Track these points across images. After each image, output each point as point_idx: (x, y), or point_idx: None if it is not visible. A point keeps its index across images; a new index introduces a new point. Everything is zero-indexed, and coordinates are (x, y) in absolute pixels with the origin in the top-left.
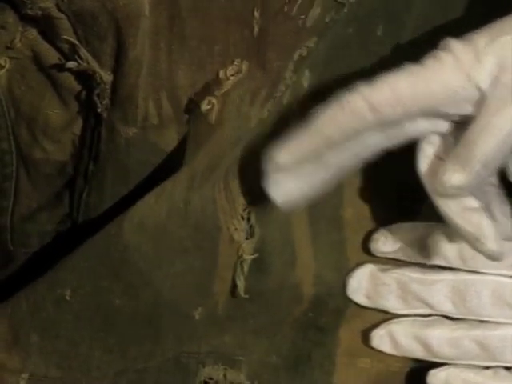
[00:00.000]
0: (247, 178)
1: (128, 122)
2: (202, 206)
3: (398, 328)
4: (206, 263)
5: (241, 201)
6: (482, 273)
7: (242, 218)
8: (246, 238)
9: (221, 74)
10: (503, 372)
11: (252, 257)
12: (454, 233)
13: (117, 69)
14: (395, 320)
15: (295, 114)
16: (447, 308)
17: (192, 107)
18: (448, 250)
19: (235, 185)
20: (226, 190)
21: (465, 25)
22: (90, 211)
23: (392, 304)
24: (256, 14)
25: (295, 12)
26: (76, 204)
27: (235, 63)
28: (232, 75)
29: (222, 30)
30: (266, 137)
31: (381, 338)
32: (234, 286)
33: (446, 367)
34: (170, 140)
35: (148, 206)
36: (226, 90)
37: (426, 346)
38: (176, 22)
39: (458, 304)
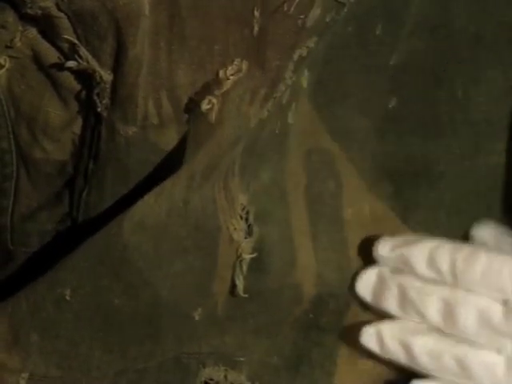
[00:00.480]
0: (246, 177)
1: (128, 121)
2: (202, 206)
3: (386, 329)
4: (206, 263)
5: (240, 200)
6: (475, 292)
7: (241, 218)
8: (245, 238)
9: (221, 73)
10: None
11: (251, 256)
12: (449, 248)
13: (117, 68)
14: (387, 321)
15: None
16: (437, 321)
17: (192, 107)
18: (442, 264)
19: (234, 184)
20: (226, 190)
21: (464, 23)
22: (90, 210)
23: (393, 309)
24: (256, 13)
25: (294, 11)
26: (76, 203)
27: (235, 63)
28: (232, 75)
29: (221, 29)
30: (265, 137)
31: (369, 336)
32: (234, 286)
33: (429, 379)
34: (170, 140)
35: (148, 206)
36: (225, 89)
37: (409, 352)
38: (176, 22)
39: (447, 320)
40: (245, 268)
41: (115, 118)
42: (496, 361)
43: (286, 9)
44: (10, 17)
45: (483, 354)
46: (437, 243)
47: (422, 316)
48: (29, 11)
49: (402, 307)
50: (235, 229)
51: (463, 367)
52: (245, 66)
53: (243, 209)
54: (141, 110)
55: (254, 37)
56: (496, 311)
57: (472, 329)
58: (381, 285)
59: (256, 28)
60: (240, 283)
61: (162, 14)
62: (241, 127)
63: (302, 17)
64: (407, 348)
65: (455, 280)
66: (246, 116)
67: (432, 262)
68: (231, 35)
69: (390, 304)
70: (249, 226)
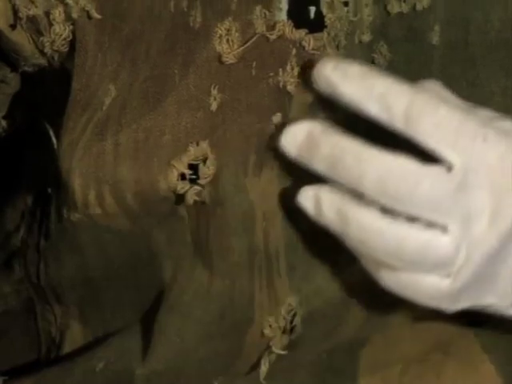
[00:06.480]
0: (296, 279)
1: (70, 207)
2: (230, 297)
3: (326, 195)
4: (232, 349)
5: (287, 301)
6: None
7: (283, 318)
8: (283, 332)
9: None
10: None
11: (282, 353)
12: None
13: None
14: (329, 186)
15: None
16: (374, 192)
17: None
18: (396, 104)
19: (282, 285)
20: (270, 288)
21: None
22: (52, 279)
23: (320, 169)
24: (213, 91)
25: (260, 72)
26: (34, 272)
27: (190, 149)
28: (191, 159)
29: (172, 117)
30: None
31: (307, 199)
32: (258, 364)
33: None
34: (123, 225)
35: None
36: (208, 178)
37: (344, 224)
38: (125, 112)
39: (385, 192)
40: (272, 359)
41: (60, 202)
42: (441, 242)
43: (253, 73)
44: (9, 72)
45: (426, 234)
46: (395, 80)
47: (357, 184)
48: (26, 69)
49: (333, 170)
50: (270, 326)
51: (401, 248)
52: (205, 145)
53: (291, 310)
54: (79, 198)
55: (212, 113)
56: (445, 180)
57: (413, 201)
58: (309, 142)
59: (214, 104)
60: (265, 368)
61: (113, 105)
62: (242, 203)
63: (271, 74)
64: (343, 219)
65: (406, 125)
66: (245, 189)
67: (384, 99)
68: (183, 121)
69: (318, 165)
70: (292, 327)
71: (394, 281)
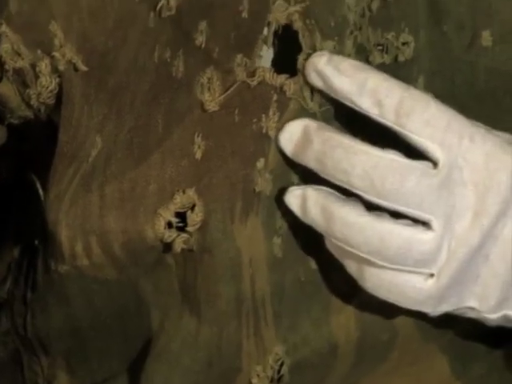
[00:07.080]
0: (282, 329)
1: (57, 259)
2: (218, 345)
3: (312, 194)
4: None
5: (274, 351)
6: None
7: (271, 368)
8: (270, 382)
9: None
10: None
11: None
12: (400, 85)
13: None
14: (316, 186)
15: None
16: (361, 185)
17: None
18: (387, 99)
19: (269, 334)
20: (257, 337)
21: None
22: (39, 330)
23: (311, 165)
24: (197, 138)
25: (243, 118)
26: (20, 323)
27: (175, 198)
28: (178, 207)
29: (157, 166)
30: (290, 283)
31: (293, 197)
32: None
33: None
34: (110, 275)
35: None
36: (198, 224)
37: (329, 221)
38: (111, 163)
39: (372, 184)
40: None
41: (47, 254)
42: (424, 238)
43: (236, 120)
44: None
45: (409, 230)
46: (387, 76)
47: (345, 178)
48: (12, 121)
49: (323, 165)
50: (258, 375)
51: (385, 246)
52: (191, 192)
53: (278, 360)
54: (66, 249)
55: (197, 161)
56: (430, 176)
57: (398, 195)
58: (304, 139)
59: (199, 152)
60: None
61: (99, 156)
62: (230, 250)
63: (254, 120)
64: (328, 217)
65: (396, 120)
66: (232, 236)
67: (376, 94)
68: (167, 170)
69: (309, 161)
70: (280, 376)
71: (378, 283)
